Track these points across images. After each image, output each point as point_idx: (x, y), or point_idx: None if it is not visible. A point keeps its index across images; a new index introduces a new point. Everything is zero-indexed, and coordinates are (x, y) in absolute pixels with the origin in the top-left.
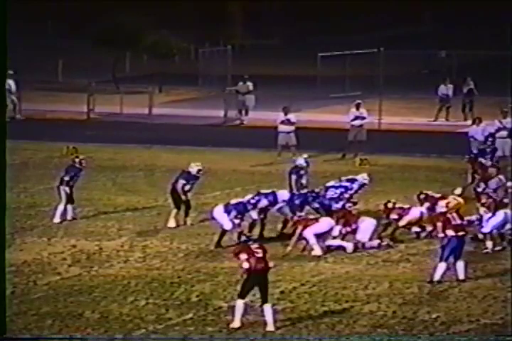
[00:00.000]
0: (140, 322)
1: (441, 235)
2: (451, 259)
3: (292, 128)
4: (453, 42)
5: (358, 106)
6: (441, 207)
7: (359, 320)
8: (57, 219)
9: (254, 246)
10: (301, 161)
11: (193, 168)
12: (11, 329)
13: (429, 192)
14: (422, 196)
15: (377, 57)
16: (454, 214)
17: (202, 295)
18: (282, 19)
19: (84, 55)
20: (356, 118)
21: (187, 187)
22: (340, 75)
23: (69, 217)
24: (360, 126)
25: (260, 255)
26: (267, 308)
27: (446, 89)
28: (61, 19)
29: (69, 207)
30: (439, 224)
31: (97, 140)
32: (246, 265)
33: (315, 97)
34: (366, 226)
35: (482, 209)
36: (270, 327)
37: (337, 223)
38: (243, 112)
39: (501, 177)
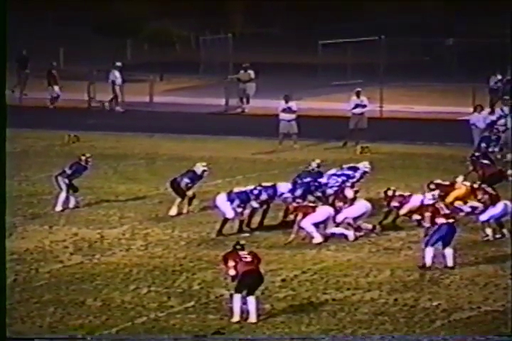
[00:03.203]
0: (142, 310)
1: (427, 225)
2: (439, 245)
3: (293, 116)
4: (454, 30)
5: (358, 94)
6: (428, 199)
7: (360, 308)
8: (59, 208)
9: (242, 252)
10: (313, 165)
11: (199, 168)
12: (13, 317)
13: (439, 181)
14: (432, 186)
15: (378, 44)
16: (442, 205)
17: (204, 283)
18: (283, 7)
19: (85, 43)
20: (357, 106)
21: (190, 185)
22: (341, 63)
23: (71, 205)
24: (361, 114)
25: (249, 259)
26: (251, 299)
27: (496, 80)
28: (62, 7)
29: (71, 195)
30: (427, 214)
31: (98, 128)
32: (232, 272)
33: (316, 85)
34: (359, 205)
35: (477, 205)
36: (252, 319)
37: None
38: (244, 100)
39: (506, 202)
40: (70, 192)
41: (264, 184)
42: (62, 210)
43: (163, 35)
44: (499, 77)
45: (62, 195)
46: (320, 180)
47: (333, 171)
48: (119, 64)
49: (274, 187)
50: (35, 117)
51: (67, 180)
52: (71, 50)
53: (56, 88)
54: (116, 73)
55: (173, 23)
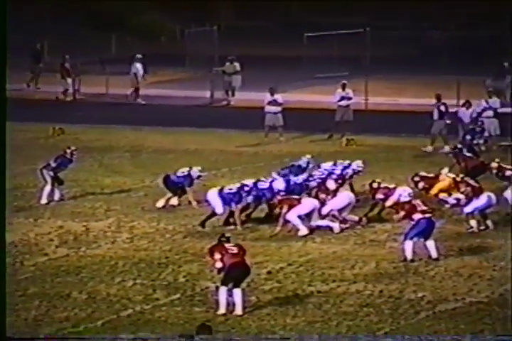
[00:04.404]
0: (127, 303)
1: (396, 219)
2: (420, 239)
3: (279, 108)
4: (439, 23)
5: (343, 87)
6: (404, 196)
7: (346, 300)
8: (44, 200)
9: (228, 244)
10: (302, 161)
11: (195, 173)
12: None
13: (423, 173)
14: (416, 178)
15: (363, 37)
16: (419, 202)
17: (189, 275)
18: None
19: (70, 36)
20: (342, 98)
21: (186, 187)
22: (326, 56)
23: (56, 198)
24: (347, 106)
25: (235, 251)
26: (237, 291)
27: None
28: (48, 0)
29: (56, 188)
30: (402, 213)
31: (84, 121)
32: (219, 264)
33: (302, 78)
34: (342, 197)
35: (461, 197)
36: (238, 311)
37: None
38: (230, 93)
39: (490, 194)
40: (55, 185)
41: (260, 185)
42: (47, 203)
43: (148, 28)
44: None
45: (47, 188)
46: (314, 185)
47: (326, 166)
48: (139, 56)
49: (270, 187)
50: (19, 110)
51: (52, 173)
52: (56, 42)
53: (69, 81)
54: (138, 65)
55: (158, 15)
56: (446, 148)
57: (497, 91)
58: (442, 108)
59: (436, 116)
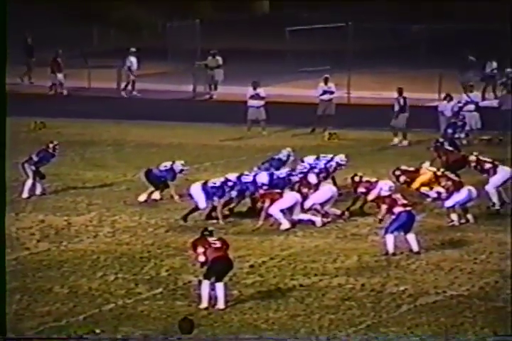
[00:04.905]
0: (109, 297)
1: (380, 216)
2: (401, 233)
3: (262, 102)
4: (421, 16)
5: (326, 81)
6: (385, 190)
7: (328, 293)
8: (25, 194)
9: (211, 238)
10: (282, 155)
11: (178, 166)
12: None
13: (404, 167)
14: (397, 172)
15: (345, 31)
16: (399, 195)
17: (171, 269)
18: None
19: (51, 29)
20: (325, 92)
21: (168, 181)
22: (309, 49)
23: (38, 192)
24: (329, 100)
25: (218, 245)
26: (219, 285)
27: (493, 67)
28: None
29: (38, 182)
30: (384, 207)
31: (65, 115)
32: (202, 258)
33: (284, 72)
34: (325, 190)
35: (443, 190)
36: (220, 305)
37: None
38: (212, 87)
39: (470, 188)
40: (37, 179)
41: (244, 178)
42: (28, 197)
43: (130, 22)
44: (495, 64)
45: (29, 182)
46: (296, 178)
47: (309, 160)
48: (133, 49)
49: (254, 181)
50: None
51: (33, 167)
52: (37, 35)
53: (60, 75)
54: (132, 59)
55: (140, 9)
56: (395, 140)
57: (463, 84)
58: (401, 102)
59: (397, 109)
